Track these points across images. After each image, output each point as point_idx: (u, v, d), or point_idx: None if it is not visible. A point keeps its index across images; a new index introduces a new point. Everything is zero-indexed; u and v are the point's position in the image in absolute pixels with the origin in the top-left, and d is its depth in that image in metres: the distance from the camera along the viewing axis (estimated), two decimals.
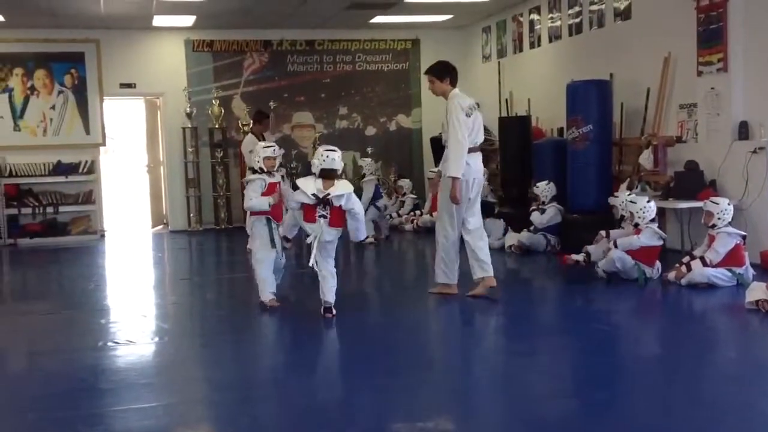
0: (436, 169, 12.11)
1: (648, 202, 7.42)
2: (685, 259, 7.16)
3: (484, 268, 6.77)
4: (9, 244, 11.87)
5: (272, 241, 6.65)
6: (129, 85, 12.84)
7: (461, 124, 6.59)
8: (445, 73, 6.85)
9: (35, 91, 12.46)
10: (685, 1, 8.40)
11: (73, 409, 4.37)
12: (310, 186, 6.18)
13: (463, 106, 6.66)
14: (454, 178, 6.57)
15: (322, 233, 6.20)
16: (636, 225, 7.38)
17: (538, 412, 4.19)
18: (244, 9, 11.41)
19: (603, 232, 7.75)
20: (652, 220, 7.35)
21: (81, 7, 10.84)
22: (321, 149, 6.29)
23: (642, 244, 7.24)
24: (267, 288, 6.65)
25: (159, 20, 12.01)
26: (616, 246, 7.28)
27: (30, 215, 12.05)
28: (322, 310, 6.27)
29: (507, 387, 4.66)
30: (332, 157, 6.16)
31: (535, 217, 9.21)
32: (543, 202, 9.27)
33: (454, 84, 6.85)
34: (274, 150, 6.76)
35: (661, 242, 7.40)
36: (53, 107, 12.53)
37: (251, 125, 11.13)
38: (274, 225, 6.67)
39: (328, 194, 6.13)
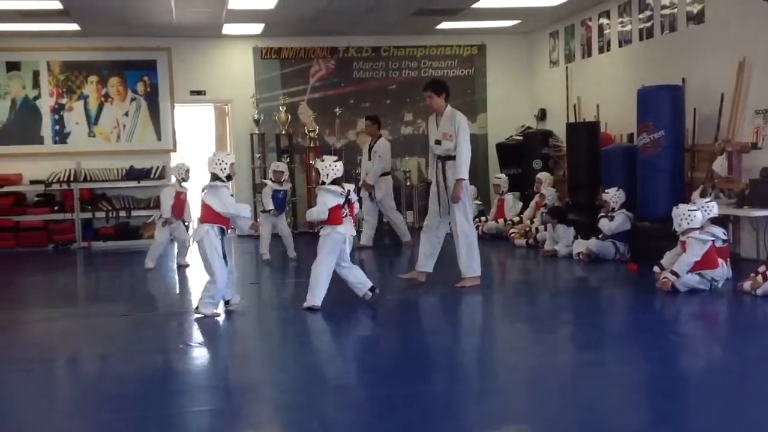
0: (502, 176, 12.13)
1: (692, 210, 7.22)
2: (761, 268, 6.93)
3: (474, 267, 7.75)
4: (83, 246, 12.21)
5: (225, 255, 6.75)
6: (199, 92, 13.10)
7: (468, 136, 7.66)
8: (442, 89, 7.76)
9: (109, 98, 12.81)
10: (760, 4, 8.17)
11: (145, 410, 4.47)
12: (333, 189, 6.82)
13: (465, 121, 7.72)
14: (464, 180, 7.58)
15: (351, 229, 6.92)
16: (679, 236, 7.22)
17: (609, 424, 4.11)
18: (311, 17, 11.53)
19: (657, 268, 7.52)
20: (699, 228, 7.15)
21: (153, 16, 11.11)
22: (330, 161, 6.91)
23: (694, 260, 7.05)
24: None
25: (228, 28, 12.22)
26: (677, 275, 7.08)
27: (103, 219, 12.37)
28: (369, 294, 6.93)
29: (576, 398, 4.58)
30: (341, 167, 6.95)
31: (604, 223, 9.05)
32: (612, 209, 9.11)
33: (447, 100, 7.76)
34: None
35: (709, 243, 7.15)
36: (126, 114, 12.85)
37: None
38: (226, 238, 6.84)
39: (349, 191, 6.93)
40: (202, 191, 6.85)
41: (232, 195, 7.22)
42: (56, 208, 12.29)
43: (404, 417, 4.25)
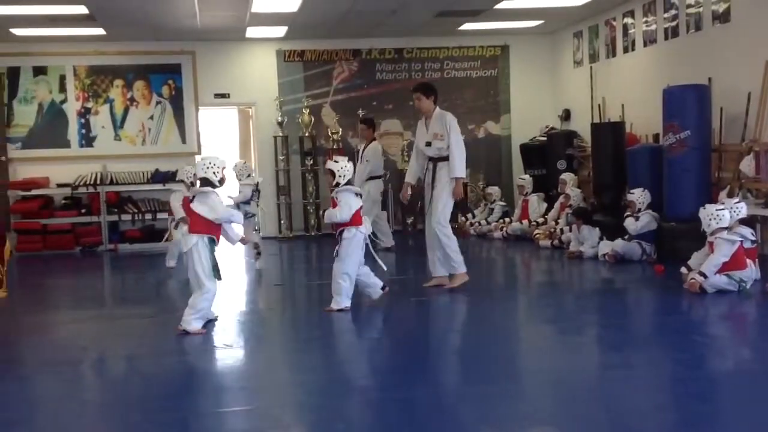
0: (526, 176, 12.09)
1: (719, 210, 7.16)
2: None
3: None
4: (109, 249, 12.32)
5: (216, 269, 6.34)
6: (223, 95, 13.18)
7: (460, 135, 7.71)
8: (431, 91, 7.80)
9: (134, 102, 12.92)
10: None
11: (172, 411, 4.50)
12: (354, 190, 6.87)
13: (455, 121, 7.75)
14: (461, 179, 7.64)
15: (369, 228, 6.97)
16: (707, 236, 7.15)
17: (635, 426, 4.08)
18: (334, 19, 11.56)
19: (684, 269, 7.45)
20: (727, 228, 7.08)
21: (178, 20, 11.19)
22: (344, 162, 6.93)
23: (723, 261, 6.98)
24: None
25: (252, 32, 12.29)
26: (705, 276, 7.02)
27: (129, 221, 12.48)
28: (380, 292, 7.00)
29: (602, 399, 4.55)
30: (352, 168, 7.02)
31: (629, 223, 8.99)
32: (638, 210, 9.05)
33: (435, 103, 7.81)
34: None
35: (738, 243, 7.07)
36: (151, 117, 12.96)
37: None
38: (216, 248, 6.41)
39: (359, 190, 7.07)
40: (191, 199, 6.35)
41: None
42: (83, 211, 12.42)
43: (430, 419, 4.25)
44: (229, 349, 5.90)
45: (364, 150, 10.95)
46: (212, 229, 6.29)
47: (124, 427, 4.33)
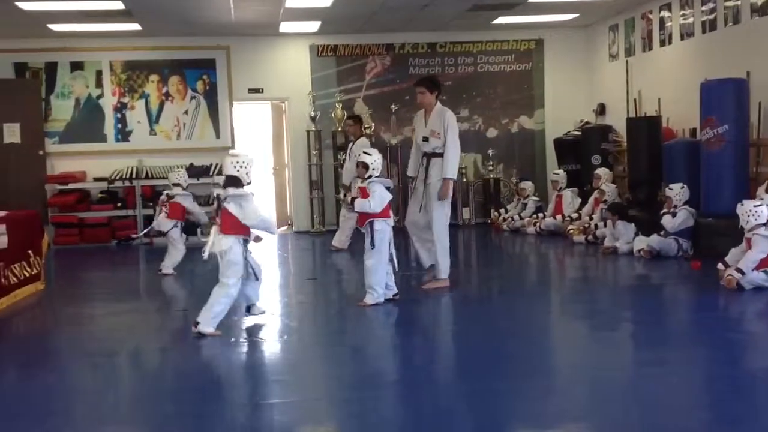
0: (560, 171, 12.00)
1: (757, 206, 7.03)
2: None
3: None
4: (145, 243, 12.45)
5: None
6: (257, 90, 13.24)
7: (457, 134, 7.54)
8: (436, 86, 7.66)
9: (170, 97, 13.03)
10: None
11: (205, 403, 4.54)
12: (386, 182, 6.91)
13: (454, 119, 7.63)
14: (451, 180, 7.49)
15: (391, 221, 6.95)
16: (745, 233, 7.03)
17: (670, 424, 4.03)
18: (367, 14, 11.56)
19: (721, 266, 7.34)
20: (765, 225, 6.96)
21: (213, 15, 11.26)
22: (377, 154, 6.93)
23: (760, 257, 6.86)
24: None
25: (285, 26, 12.33)
26: (742, 273, 6.91)
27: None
28: (393, 296, 6.95)
29: (637, 397, 4.50)
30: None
31: (667, 220, 8.87)
32: (675, 206, 8.94)
33: (438, 98, 7.67)
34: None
35: None
36: (186, 112, 13.07)
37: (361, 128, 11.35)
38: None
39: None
40: (223, 199, 6.06)
41: None
42: (119, 204, 12.56)
43: (463, 414, 4.24)
44: (262, 343, 5.94)
45: (352, 146, 10.92)
46: (244, 230, 6.11)
47: (159, 417, 4.38)
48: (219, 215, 6.12)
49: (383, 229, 6.83)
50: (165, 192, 9.82)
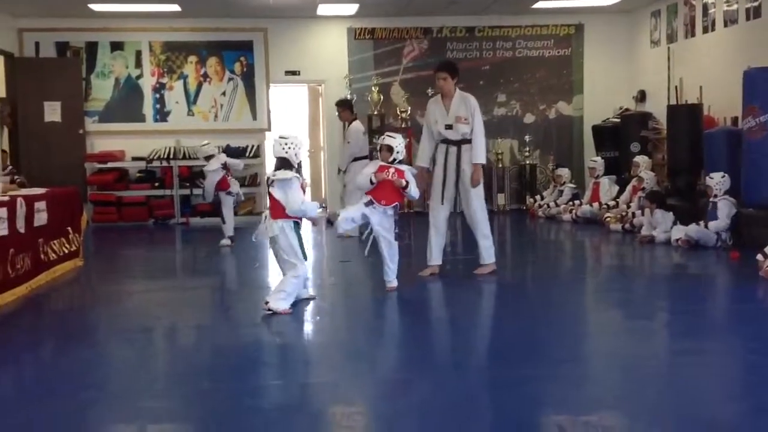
0: (598, 159, 11.87)
1: None
2: None
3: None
4: (181, 222, 12.58)
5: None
6: (293, 73, 13.27)
7: (481, 119, 7.46)
8: (456, 72, 7.53)
9: (207, 78, 13.11)
10: None
11: (239, 381, 4.58)
12: (412, 169, 6.92)
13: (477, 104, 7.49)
14: (481, 164, 7.44)
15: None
16: None
17: (707, 413, 3.98)
18: None
19: (760, 257, 7.19)
20: None
21: None
22: (400, 139, 6.83)
23: None
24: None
25: (323, 9, 12.32)
26: None
27: (200, 196, 12.67)
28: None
29: (673, 385, 4.46)
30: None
31: (714, 226, 8.64)
32: (715, 195, 8.79)
33: (457, 84, 7.52)
34: None
35: None
36: (224, 93, 13.15)
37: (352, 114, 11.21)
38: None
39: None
40: (269, 183, 6.16)
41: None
42: (156, 184, 12.70)
43: (498, 400, 4.23)
44: (294, 323, 5.97)
45: (345, 131, 10.86)
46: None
47: (194, 394, 4.43)
48: (268, 199, 6.24)
49: (394, 214, 6.81)
50: (219, 164, 10.10)
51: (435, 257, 7.52)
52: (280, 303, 6.01)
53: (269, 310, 5.98)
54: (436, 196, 7.50)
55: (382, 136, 6.99)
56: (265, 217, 6.20)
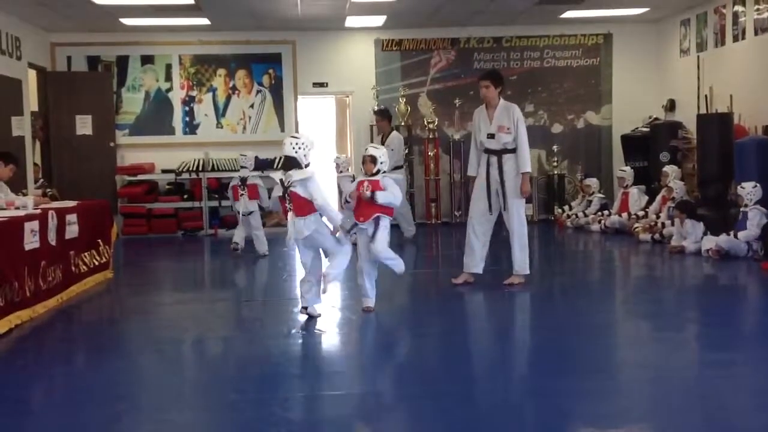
0: (627, 168, 11.78)
1: None
2: None
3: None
4: (210, 234, 12.67)
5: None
6: (321, 84, 13.33)
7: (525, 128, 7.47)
8: (500, 81, 7.54)
9: (236, 91, 13.22)
10: None
11: (268, 392, 4.60)
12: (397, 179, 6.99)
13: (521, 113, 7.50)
14: (529, 173, 7.44)
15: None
16: None
17: (736, 426, 3.93)
18: (433, 7, 11.53)
19: None
20: None
21: (279, 10, 11.38)
22: (384, 149, 6.71)
23: None
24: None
25: (351, 21, 12.38)
26: None
27: (229, 207, 12.75)
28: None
29: (703, 397, 4.41)
30: None
31: (743, 235, 8.55)
32: (746, 204, 8.69)
33: (501, 94, 7.54)
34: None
35: None
36: (252, 106, 13.24)
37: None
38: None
39: None
40: (288, 184, 6.10)
41: None
42: (185, 196, 12.81)
43: (526, 413, 4.21)
44: (323, 335, 5.98)
45: (384, 141, 10.88)
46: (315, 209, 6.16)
47: (221, 405, 4.45)
48: (289, 200, 6.14)
49: (387, 225, 6.53)
50: (239, 176, 10.18)
51: (475, 265, 7.50)
52: (332, 277, 6.26)
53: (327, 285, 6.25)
54: (482, 205, 7.48)
55: (366, 147, 6.81)
56: (293, 220, 6.15)
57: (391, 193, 6.43)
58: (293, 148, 6.10)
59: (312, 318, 6.32)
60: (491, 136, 7.40)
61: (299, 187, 6.07)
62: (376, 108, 12.58)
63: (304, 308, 6.42)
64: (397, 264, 6.69)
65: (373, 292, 6.60)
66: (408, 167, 13.03)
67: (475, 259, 7.50)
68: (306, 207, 6.10)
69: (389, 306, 7.23)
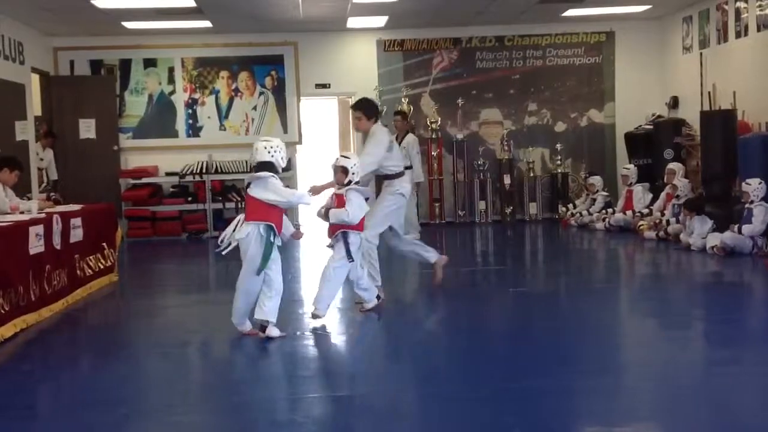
0: (630, 166, 11.77)
1: None
2: None
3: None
4: (214, 236, 12.67)
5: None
6: (324, 86, 13.34)
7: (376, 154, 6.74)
8: (373, 111, 6.96)
9: (239, 93, 13.23)
10: None
11: (274, 393, 4.60)
12: (364, 192, 6.40)
13: (384, 142, 6.82)
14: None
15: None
16: None
17: (743, 425, 3.92)
18: (435, 7, 11.52)
19: None
20: None
21: (281, 12, 11.39)
22: (356, 159, 6.32)
23: None
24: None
25: (353, 22, 12.38)
26: None
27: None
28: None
29: (708, 396, 4.40)
30: None
31: (748, 229, 8.53)
32: (751, 201, 8.67)
33: (376, 121, 6.94)
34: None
35: None
36: (255, 108, 13.25)
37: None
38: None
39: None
40: (246, 185, 5.84)
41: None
42: (189, 198, 12.82)
43: (532, 411, 4.20)
44: (328, 336, 5.98)
45: (400, 142, 10.76)
46: (271, 216, 5.74)
47: (226, 407, 4.45)
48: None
49: (356, 242, 6.27)
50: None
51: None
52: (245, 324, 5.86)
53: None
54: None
55: (336, 157, 6.42)
56: (239, 220, 5.86)
57: (348, 207, 6.09)
58: (269, 151, 5.74)
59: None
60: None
61: (256, 188, 5.71)
62: (381, 108, 12.57)
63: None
64: (368, 296, 6.50)
65: (369, 293, 6.47)
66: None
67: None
68: (258, 212, 5.73)
69: (394, 306, 7.22)
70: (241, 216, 5.87)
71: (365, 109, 6.90)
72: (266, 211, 5.72)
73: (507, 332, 6.20)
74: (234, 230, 5.85)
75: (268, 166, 5.73)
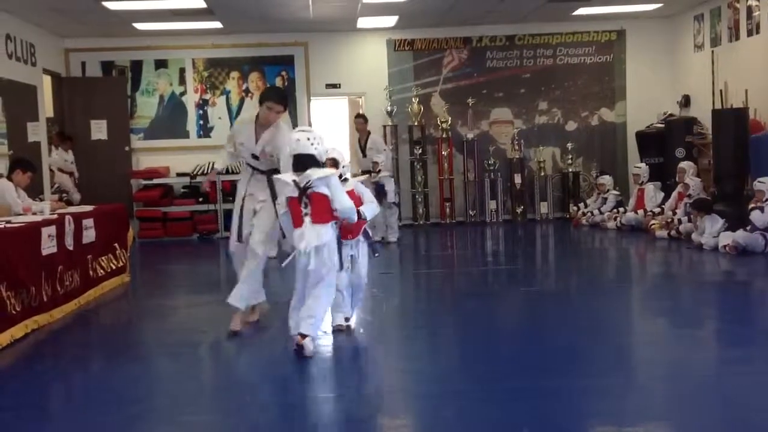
0: (642, 165, 11.73)
1: None
2: None
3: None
4: (225, 237, 12.69)
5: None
6: (334, 86, 13.35)
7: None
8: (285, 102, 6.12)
9: (249, 93, 13.25)
10: None
11: (284, 394, 4.61)
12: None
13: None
14: None
15: None
16: None
17: (756, 424, 3.90)
18: (445, 7, 11.51)
19: None
20: None
21: (291, 12, 11.40)
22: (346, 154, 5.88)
23: None
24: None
25: (363, 22, 12.39)
26: None
27: None
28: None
29: (721, 395, 4.38)
30: None
31: (756, 216, 8.55)
32: (766, 200, 8.62)
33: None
34: None
35: None
36: None
37: None
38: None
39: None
40: (308, 185, 5.09)
41: None
42: (200, 199, 12.85)
43: (542, 410, 4.19)
44: (338, 335, 5.98)
45: (365, 144, 11.04)
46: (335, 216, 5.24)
47: (236, 408, 4.46)
48: (308, 203, 5.15)
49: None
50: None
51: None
52: (311, 328, 5.20)
53: (299, 346, 5.15)
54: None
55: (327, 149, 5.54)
56: (306, 225, 5.17)
57: (372, 206, 5.67)
58: (312, 143, 5.10)
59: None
60: (255, 157, 6.12)
61: (322, 187, 5.08)
62: (389, 108, 12.60)
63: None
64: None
65: (350, 308, 6.07)
66: (422, 167, 13.06)
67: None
68: (327, 213, 5.17)
69: (400, 306, 7.23)
70: (308, 220, 5.16)
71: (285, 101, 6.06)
72: (331, 211, 5.16)
73: (518, 331, 6.19)
74: (299, 238, 5.14)
75: (313, 160, 5.08)
